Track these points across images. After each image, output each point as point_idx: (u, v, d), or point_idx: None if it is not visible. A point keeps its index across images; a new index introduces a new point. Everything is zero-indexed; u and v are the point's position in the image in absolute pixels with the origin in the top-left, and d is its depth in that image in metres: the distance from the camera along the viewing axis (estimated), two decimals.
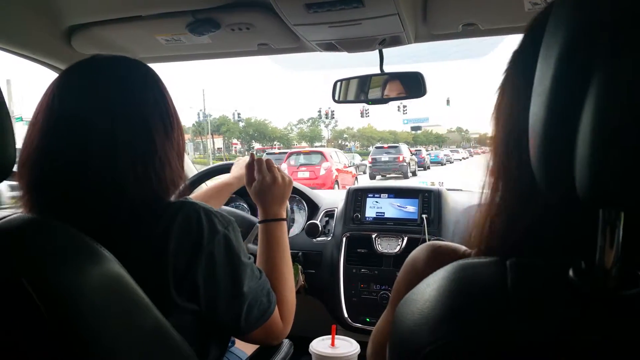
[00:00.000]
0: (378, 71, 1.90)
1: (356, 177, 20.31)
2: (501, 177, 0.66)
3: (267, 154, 24.11)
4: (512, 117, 0.65)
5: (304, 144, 68.40)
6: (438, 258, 0.78)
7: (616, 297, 0.49)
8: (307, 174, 17.13)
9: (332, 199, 2.54)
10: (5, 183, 0.80)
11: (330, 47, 1.80)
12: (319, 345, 1.56)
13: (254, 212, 2.49)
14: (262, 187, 1.39)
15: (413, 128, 68.86)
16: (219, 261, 0.99)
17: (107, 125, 0.95)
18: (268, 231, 1.34)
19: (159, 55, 1.99)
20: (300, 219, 2.48)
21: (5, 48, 1.65)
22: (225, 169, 2.17)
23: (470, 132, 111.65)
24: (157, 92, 1.04)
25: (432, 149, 67.31)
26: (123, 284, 0.83)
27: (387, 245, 2.20)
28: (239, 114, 60.52)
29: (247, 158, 1.97)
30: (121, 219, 0.96)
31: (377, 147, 28.04)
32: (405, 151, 26.27)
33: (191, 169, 2.53)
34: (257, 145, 64.44)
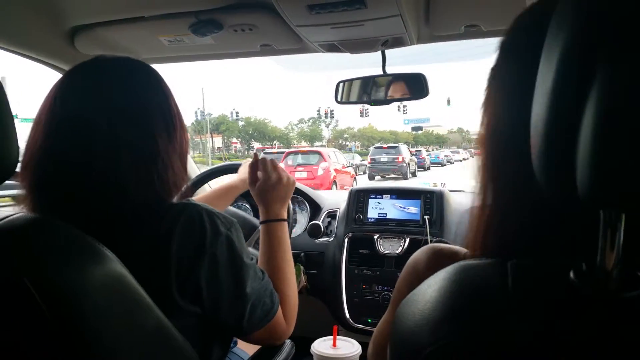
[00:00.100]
0: (380, 72, 1.90)
1: (355, 178, 20.09)
2: (491, 178, 0.67)
3: (264, 153, 23.96)
4: (499, 117, 0.66)
5: (304, 143, 68.31)
6: (439, 260, 0.78)
7: (617, 298, 0.49)
8: (304, 174, 16.93)
9: (335, 200, 2.54)
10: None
11: (332, 48, 1.80)
12: (321, 345, 1.56)
13: (256, 214, 2.48)
14: (266, 186, 1.39)
15: (414, 128, 68.88)
16: (222, 263, 0.99)
17: (109, 127, 0.95)
18: (270, 231, 1.34)
19: (162, 56, 1.99)
20: (303, 220, 2.48)
21: (8, 48, 1.66)
22: (232, 168, 2.17)
23: (471, 132, 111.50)
24: (160, 93, 1.04)
25: (432, 150, 67.18)
26: (125, 284, 0.83)
27: (389, 246, 2.20)
28: (236, 112, 60.41)
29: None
30: (123, 220, 0.96)
31: (376, 147, 27.77)
32: (404, 151, 26.04)
33: (194, 169, 2.54)
34: (257, 145, 64.29)
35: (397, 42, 1.74)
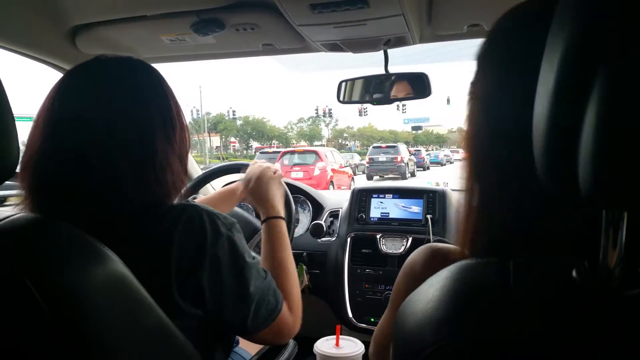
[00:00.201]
0: (382, 72, 1.90)
1: (352, 178, 19.97)
2: (475, 180, 0.68)
3: (260, 152, 23.78)
4: (480, 125, 0.67)
5: (303, 142, 68.27)
6: (436, 260, 0.79)
7: (619, 297, 0.49)
8: (300, 174, 16.83)
9: (337, 199, 2.54)
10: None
11: (335, 47, 1.80)
12: (324, 345, 1.56)
13: (258, 214, 2.48)
14: (250, 188, 1.47)
15: (414, 128, 68.78)
16: (224, 263, 0.99)
17: (108, 127, 0.96)
18: (269, 229, 1.36)
19: (163, 55, 1.99)
20: (305, 219, 2.48)
21: (9, 48, 1.65)
22: (235, 168, 2.17)
23: None
24: (159, 93, 1.04)
25: (432, 149, 67.17)
26: (127, 284, 0.83)
27: (392, 246, 2.20)
28: (234, 111, 60.20)
29: (262, 164, 1.97)
30: (123, 220, 0.96)
31: (374, 147, 27.57)
32: (403, 151, 25.88)
33: (196, 169, 2.53)
34: (255, 144, 64.16)
35: (400, 42, 1.74)
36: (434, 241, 0.85)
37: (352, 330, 2.17)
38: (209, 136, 56.89)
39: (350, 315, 2.21)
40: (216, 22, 1.57)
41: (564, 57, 0.45)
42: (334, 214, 2.45)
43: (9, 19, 1.54)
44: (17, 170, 0.80)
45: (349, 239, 2.28)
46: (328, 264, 2.32)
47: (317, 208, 2.50)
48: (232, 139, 66.65)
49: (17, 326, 0.75)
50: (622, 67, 0.42)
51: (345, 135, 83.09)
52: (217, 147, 62.02)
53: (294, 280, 1.27)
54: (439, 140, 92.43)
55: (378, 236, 2.23)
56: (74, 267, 0.78)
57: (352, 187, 2.55)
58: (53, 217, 0.85)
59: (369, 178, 24.78)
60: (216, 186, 2.52)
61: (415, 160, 28.95)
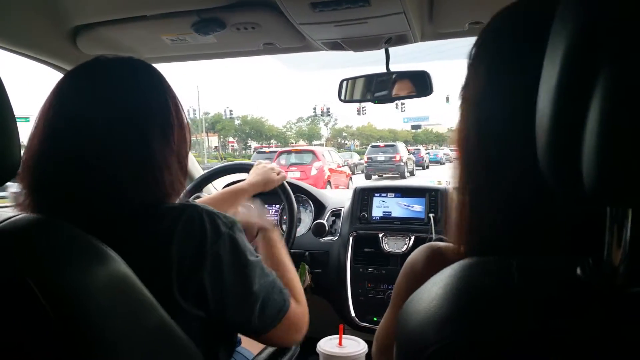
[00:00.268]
0: (384, 70, 1.89)
1: (350, 178, 19.76)
2: (468, 178, 0.70)
3: (257, 152, 23.63)
4: (476, 117, 0.67)
5: (302, 142, 68.22)
6: (437, 259, 0.80)
7: (624, 294, 0.49)
8: (297, 174, 16.51)
9: (339, 199, 2.54)
10: None
11: (336, 46, 1.80)
12: (327, 344, 1.56)
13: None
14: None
15: (413, 127, 68.74)
16: (225, 262, 0.99)
17: (106, 127, 0.96)
18: (265, 238, 1.40)
19: (164, 55, 1.99)
20: (307, 219, 2.48)
21: (10, 49, 1.65)
22: (237, 168, 2.16)
23: None
24: (158, 93, 1.04)
25: (432, 148, 67.11)
26: (129, 284, 0.83)
27: (394, 245, 2.20)
28: (230, 110, 59.86)
29: (266, 165, 1.97)
30: (122, 221, 0.96)
31: (373, 146, 27.29)
32: (402, 150, 25.68)
33: (197, 169, 2.53)
34: (254, 144, 63.96)
35: (401, 40, 1.74)
36: (436, 240, 0.85)
37: (355, 330, 2.17)
38: (207, 136, 56.81)
39: (353, 314, 2.21)
40: (217, 21, 1.57)
41: (566, 55, 0.45)
42: (336, 213, 2.45)
43: (10, 19, 1.54)
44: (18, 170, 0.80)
45: (351, 238, 2.28)
46: (330, 263, 2.32)
47: (319, 207, 2.50)
48: (231, 139, 66.47)
49: (20, 327, 0.75)
50: (625, 63, 0.42)
51: (344, 134, 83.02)
52: (215, 147, 61.89)
53: (296, 279, 1.28)
54: (439, 139, 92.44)
55: (380, 235, 2.23)
56: (76, 268, 0.77)
57: (349, 187, 2.55)
58: (53, 217, 0.85)
59: (368, 177, 24.64)
60: (217, 186, 2.52)
61: (414, 159, 28.79)
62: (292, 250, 2.09)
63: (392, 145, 26.14)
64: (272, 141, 66.49)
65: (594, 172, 0.44)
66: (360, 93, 1.98)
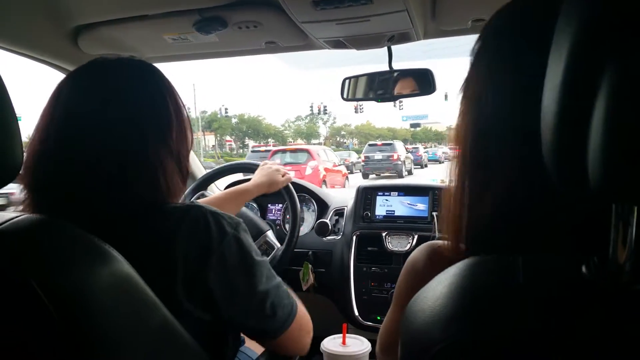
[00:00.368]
0: (386, 68, 1.89)
1: (347, 177, 19.53)
2: (466, 176, 0.70)
3: (252, 151, 23.47)
4: (476, 115, 0.67)
5: (300, 141, 68.11)
6: (437, 258, 0.80)
7: (630, 291, 0.49)
8: (292, 174, 16.36)
9: (342, 198, 2.54)
10: None
11: (338, 44, 1.79)
12: (330, 344, 1.55)
13: (263, 213, 2.49)
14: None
15: (412, 125, 68.78)
16: (231, 262, 0.98)
17: (105, 128, 0.97)
18: None
19: (166, 54, 1.99)
20: (310, 218, 2.48)
21: (11, 49, 1.66)
22: (249, 168, 2.16)
23: None
24: (157, 94, 1.04)
25: (431, 147, 67.03)
26: (132, 284, 0.83)
27: (398, 244, 2.19)
28: (226, 109, 59.49)
29: (272, 165, 1.97)
30: (123, 221, 0.96)
31: (370, 145, 27.10)
32: (400, 149, 25.52)
33: (199, 168, 2.53)
34: (251, 142, 63.69)
35: (404, 38, 1.74)
36: (438, 238, 0.86)
37: (359, 329, 2.17)
38: (204, 135, 56.72)
39: (356, 313, 2.20)
40: (219, 20, 1.57)
41: (571, 52, 0.45)
42: (339, 212, 2.44)
43: (11, 20, 1.54)
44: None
45: (354, 237, 2.27)
46: (334, 262, 2.32)
47: (322, 206, 2.50)
48: (228, 138, 66.24)
49: (23, 327, 0.75)
50: (630, 59, 0.42)
51: (342, 133, 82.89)
52: (212, 145, 61.71)
53: None
54: (438, 138, 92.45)
55: (384, 234, 2.22)
56: (79, 268, 0.78)
57: (345, 186, 2.54)
58: (55, 217, 0.85)
59: (365, 177, 24.39)
60: (220, 185, 2.52)
61: (412, 157, 28.64)
62: (295, 250, 2.09)
63: (390, 144, 25.99)
64: (269, 140, 66.24)
65: (600, 169, 0.44)
66: (363, 91, 1.98)
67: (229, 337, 1.14)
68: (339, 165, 19.97)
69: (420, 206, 2.28)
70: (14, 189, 0.99)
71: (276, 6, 1.45)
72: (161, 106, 1.03)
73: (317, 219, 2.43)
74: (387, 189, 2.38)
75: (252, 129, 65.46)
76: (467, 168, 0.69)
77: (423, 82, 1.88)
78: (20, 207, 0.98)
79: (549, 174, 0.50)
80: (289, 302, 1.10)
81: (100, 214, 0.94)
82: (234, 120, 64.55)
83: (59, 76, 1.85)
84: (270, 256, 2.02)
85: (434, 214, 2.19)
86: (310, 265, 2.27)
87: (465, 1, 1.51)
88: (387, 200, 2.34)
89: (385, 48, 1.84)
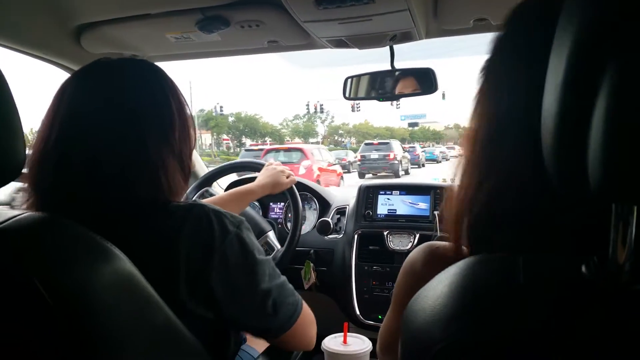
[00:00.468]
0: (389, 67, 1.89)
1: (341, 176, 19.26)
2: (479, 175, 0.68)
3: (245, 150, 23.25)
4: (493, 109, 0.66)
5: (297, 139, 67.76)
6: (436, 258, 0.80)
7: (629, 291, 0.49)
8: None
9: (344, 196, 2.54)
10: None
11: (340, 43, 1.79)
12: (331, 342, 1.56)
13: (264, 211, 2.49)
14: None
15: (410, 124, 68.63)
16: (233, 261, 0.98)
17: (108, 127, 0.97)
18: None
19: (168, 53, 1.99)
20: (312, 217, 2.48)
21: (13, 47, 1.66)
22: (255, 167, 2.16)
23: None
24: (160, 93, 1.04)
25: (429, 146, 66.76)
26: (134, 283, 0.83)
27: (399, 242, 2.19)
28: (221, 107, 58.88)
29: (276, 167, 1.97)
30: (125, 220, 0.96)
31: (366, 144, 26.73)
32: (396, 148, 25.22)
33: (202, 167, 2.54)
34: (248, 141, 63.20)
35: (406, 37, 1.73)
36: (440, 238, 0.85)
37: (360, 328, 2.17)
38: (200, 134, 56.35)
39: (357, 312, 2.20)
40: (221, 19, 1.57)
41: (572, 51, 0.45)
42: (341, 211, 2.44)
43: (14, 19, 1.54)
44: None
45: (356, 236, 2.27)
46: (335, 261, 2.32)
47: (324, 205, 2.50)
48: (225, 136, 65.80)
49: (26, 325, 0.75)
50: (631, 60, 0.42)
51: (340, 132, 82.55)
52: (209, 144, 61.32)
53: None
54: (436, 137, 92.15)
55: (385, 233, 2.22)
56: (81, 266, 0.78)
57: (340, 186, 2.54)
58: (57, 215, 0.85)
59: (361, 176, 24.02)
60: (222, 184, 2.52)
61: (409, 157, 28.38)
62: (297, 249, 2.10)
63: (386, 143, 25.67)
64: (266, 139, 65.77)
65: (600, 169, 0.44)
66: (365, 91, 1.98)
67: (231, 335, 1.14)
68: (334, 164, 19.75)
69: (421, 205, 2.28)
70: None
71: (278, 5, 1.45)
72: (164, 106, 1.03)
73: (319, 217, 2.43)
74: (388, 188, 2.38)
75: (249, 128, 65.00)
76: (478, 168, 0.68)
77: (425, 81, 1.87)
78: (24, 206, 0.99)
79: (549, 174, 0.50)
80: (293, 300, 1.10)
81: (103, 212, 0.95)
82: (230, 119, 64.13)
83: (59, 74, 1.86)
84: (270, 257, 2.02)
85: (436, 213, 2.19)
86: (312, 264, 2.27)
87: (467, 1, 1.51)
88: (388, 199, 2.34)
89: (387, 47, 1.84)
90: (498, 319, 0.50)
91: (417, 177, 23.01)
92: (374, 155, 24.39)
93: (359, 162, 25.21)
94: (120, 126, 0.97)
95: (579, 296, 0.50)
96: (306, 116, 74.48)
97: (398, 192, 2.35)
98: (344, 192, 2.65)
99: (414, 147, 37.44)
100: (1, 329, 0.75)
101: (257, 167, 2.09)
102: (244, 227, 1.03)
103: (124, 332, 0.80)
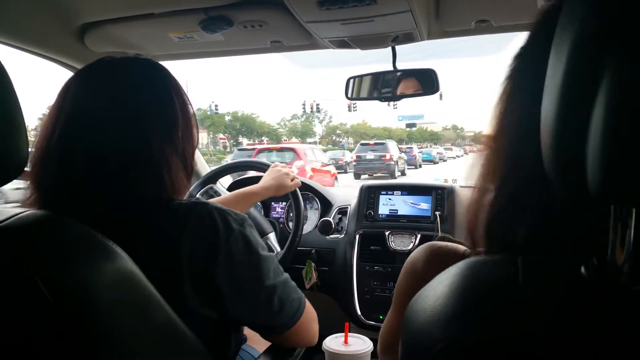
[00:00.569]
0: (390, 68, 1.89)
1: (336, 177, 18.78)
2: (506, 175, 0.66)
3: (238, 150, 23.06)
4: (516, 114, 0.65)
5: (294, 139, 67.38)
6: (437, 258, 0.80)
7: (628, 292, 0.49)
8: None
9: (345, 196, 2.54)
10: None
11: (342, 44, 1.80)
12: (332, 342, 1.56)
13: (266, 211, 2.49)
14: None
15: (408, 125, 68.34)
16: (238, 259, 0.99)
17: (111, 126, 0.97)
18: None
19: (171, 52, 2.00)
20: (313, 216, 2.48)
21: (18, 46, 1.66)
22: (260, 167, 2.17)
23: (465, 130, 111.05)
24: (164, 92, 1.05)
25: (427, 147, 66.43)
26: (135, 281, 0.83)
27: (401, 243, 2.19)
28: (216, 105, 58.29)
29: (282, 169, 1.97)
30: (127, 219, 0.96)
31: (362, 144, 26.38)
32: (392, 149, 24.90)
33: (204, 166, 2.54)
34: (245, 141, 62.70)
35: (408, 38, 1.74)
36: (441, 238, 0.85)
37: (361, 328, 2.17)
38: (197, 133, 55.65)
39: (359, 312, 2.21)
40: (224, 19, 1.57)
41: (571, 53, 0.45)
42: (343, 211, 2.44)
43: (18, 18, 1.55)
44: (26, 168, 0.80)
45: (357, 236, 2.28)
46: (337, 261, 2.32)
47: (326, 205, 2.50)
48: (222, 136, 65.42)
49: (27, 324, 0.75)
50: (630, 63, 0.42)
51: (338, 132, 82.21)
52: (205, 143, 60.91)
53: None
54: (433, 138, 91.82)
55: (387, 233, 2.23)
56: (83, 264, 0.78)
57: (334, 186, 2.53)
58: (59, 213, 0.85)
59: (357, 177, 23.65)
60: (224, 183, 2.53)
61: (405, 158, 28.06)
62: (298, 248, 2.10)
63: (382, 144, 25.31)
64: (263, 138, 65.23)
65: (599, 171, 0.44)
66: (367, 91, 1.98)
67: (232, 335, 1.15)
68: (328, 165, 19.46)
69: (423, 205, 2.28)
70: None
71: (281, 6, 1.45)
72: (168, 105, 1.04)
73: (321, 217, 2.43)
74: (390, 188, 2.38)
75: (246, 127, 64.52)
76: (499, 170, 0.66)
77: (426, 82, 1.88)
78: (27, 204, 0.99)
79: (548, 175, 0.50)
80: (297, 297, 1.11)
81: (105, 210, 0.95)
82: (227, 118, 63.77)
83: (62, 72, 1.86)
84: (273, 254, 2.02)
85: (437, 213, 2.19)
86: (313, 264, 2.27)
87: (469, 2, 1.51)
88: (390, 199, 2.34)
89: (389, 48, 1.84)
90: (498, 319, 0.50)
91: (412, 178, 22.74)
92: (370, 155, 24.04)
93: (354, 163, 24.88)
94: (124, 125, 0.98)
95: (578, 297, 0.50)
96: (304, 116, 74.18)
97: (400, 192, 2.35)
98: (345, 192, 2.65)
99: (411, 147, 37.16)
100: (2, 327, 0.75)
101: (263, 168, 2.09)
102: (247, 224, 1.04)
103: (125, 331, 0.80)
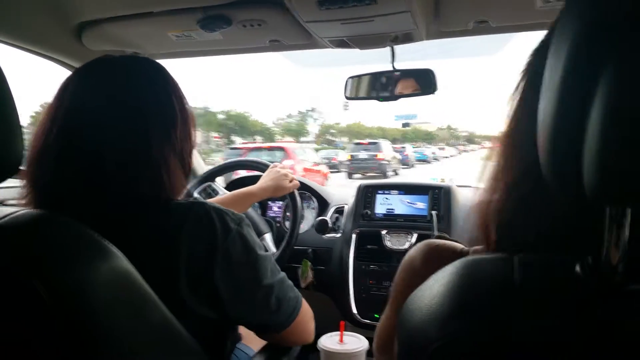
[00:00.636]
0: (389, 68, 1.89)
1: (327, 176, 18.57)
2: (506, 175, 0.67)
3: (230, 148, 22.72)
4: (528, 114, 0.65)
5: (288, 138, 67.11)
6: (435, 256, 0.80)
7: (622, 292, 0.50)
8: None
9: (342, 196, 2.54)
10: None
11: (342, 44, 1.80)
12: (327, 341, 1.56)
13: (263, 210, 2.49)
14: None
15: (404, 125, 68.26)
16: (236, 259, 0.99)
17: (108, 125, 0.97)
18: None
19: (169, 51, 1.99)
20: (310, 216, 2.48)
21: (15, 44, 1.66)
22: (259, 167, 2.16)
23: (459, 130, 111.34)
24: (162, 91, 1.05)
25: (421, 146, 66.32)
26: (131, 280, 0.83)
27: (397, 242, 2.20)
28: (207, 104, 58.27)
29: (280, 169, 1.97)
30: (124, 218, 0.96)
31: (355, 144, 26.25)
32: (385, 148, 24.90)
33: (201, 165, 2.54)
34: (239, 139, 62.34)
35: (407, 38, 1.74)
36: (437, 237, 0.85)
37: (357, 327, 2.17)
38: None
39: (354, 311, 2.20)
40: (223, 18, 1.57)
41: (569, 55, 0.46)
42: (339, 210, 2.44)
43: (15, 16, 1.54)
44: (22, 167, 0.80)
45: (354, 235, 2.28)
46: (333, 260, 2.32)
47: (323, 204, 2.50)
48: (215, 134, 65.20)
49: (24, 324, 0.75)
50: (627, 65, 0.42)
51: (332, 131, 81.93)
52: (198, 142, 60.30)
53: None
54: (428, 138, 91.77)
55: (383, 232, 2.23)
56: (79, 264, 0.77)
57: (325, 185, 2.52)
58: (55, 212, 0.85)
59: (349, 176, 23.68)
60: (220, 182, 2.53)
61: (399, 157, 28.01)
62: (295, 247, 2.10)
63: (375, 143, 25.25)
64: (255, 137, 64.86)
65: (594, 172, 0.44)
66: (366, 91, 1.98)
67: (228, 334, 1.15)
68: (320, 164, 19.25)
69: (420, 205, 2.28)
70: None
71: (281, 5, 1.46)
72: (166, 103, 1.04)
73: (317, 216, 2.43)
74: (387, 188, 2.39)
75: (239, 126, 64.17)
76: (511, 170, 0.66)
77: (425, 82, 1.88)
78: (23, 202, 0.99)
79: (544, 175, 0.51)
80: (294, 296, 1.11)
81: (103, 210, 0.95)
82: (220, 116, 63.49)
83: (60, 71, 1.86)
84: (270, 253, 2.03)
85: (434, 212, 2.19)
86: (309, 263, 2.27)
87: (468, 3, 1.51)
88: (387, 198, 2.34)
89: (388, 48, 1.84)
90: (494, 318, 0.51)
91: (405, 177, 22.58)
92: (363, 155, 23.99)
93: (348, 162, 24.79)
94: (123, 123, 0.97)
95: (573, 296, 0.50)
96: (299, 115, 73.87)
97: (396, 191, 2.35)
98: (342, 192, 2.65)
99: (404, 147, 37.16)
100: (1, 328, 0.75)
101: (262, 167, 2.09)
102: (245, 223, 1.04)
103: (122, 330, 0.80)
